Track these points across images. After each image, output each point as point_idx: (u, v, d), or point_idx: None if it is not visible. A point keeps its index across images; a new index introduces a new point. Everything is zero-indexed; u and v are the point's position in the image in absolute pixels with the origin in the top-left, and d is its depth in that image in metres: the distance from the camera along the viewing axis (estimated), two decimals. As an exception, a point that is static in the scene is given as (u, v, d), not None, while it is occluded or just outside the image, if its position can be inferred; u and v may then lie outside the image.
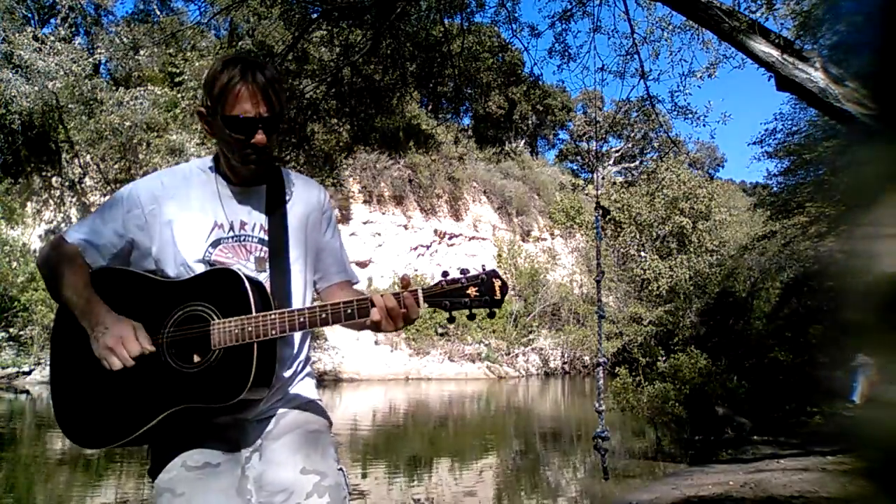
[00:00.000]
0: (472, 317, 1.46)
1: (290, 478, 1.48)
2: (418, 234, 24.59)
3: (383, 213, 23.70)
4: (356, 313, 1.46)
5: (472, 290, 1.43)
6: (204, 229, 1.56)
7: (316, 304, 1.53)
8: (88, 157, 19.13)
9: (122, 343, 1.41)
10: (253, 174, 1.58)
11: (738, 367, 10.14)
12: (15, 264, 16.28)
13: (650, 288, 24.07)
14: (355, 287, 1.79)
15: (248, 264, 1.57)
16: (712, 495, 5.48)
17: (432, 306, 1.46)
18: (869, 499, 0.60)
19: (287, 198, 1.65)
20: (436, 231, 25.19)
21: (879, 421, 0.59)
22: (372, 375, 19.61)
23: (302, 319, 1.45)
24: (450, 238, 25.81)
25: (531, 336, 23.60)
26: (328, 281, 1.75)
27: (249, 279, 1.48)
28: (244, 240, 1.58)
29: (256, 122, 1.48)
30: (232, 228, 1.58)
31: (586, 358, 23.62)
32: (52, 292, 1.56)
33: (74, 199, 19.19)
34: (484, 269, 1.46)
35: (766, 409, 9.84)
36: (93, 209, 19.97)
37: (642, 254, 25.54)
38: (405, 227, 24.14)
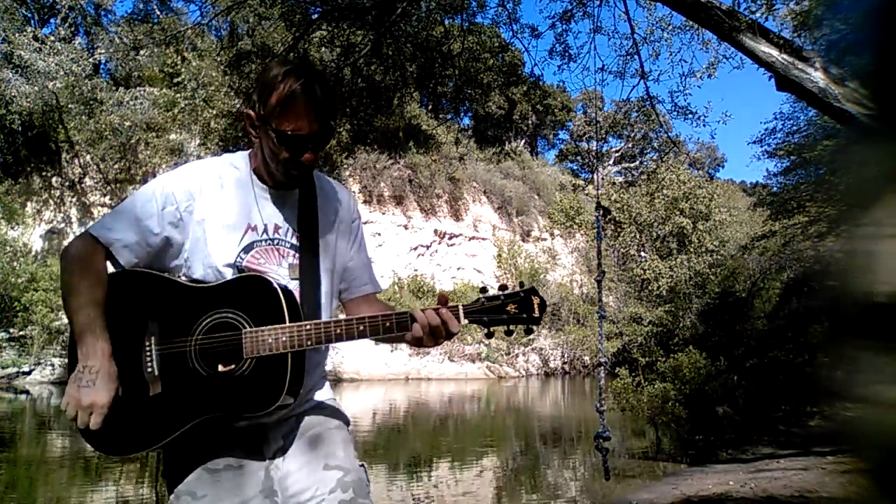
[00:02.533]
0: (509, 332, 1.47)
1: (313, 475, 1.48)
2: (418, 234, 24.59)
3: (383, 213, 23.70)
4: (394, 327, 1.45)
5: (511, 307, 1.45)
6: (237, 232, 1.52)
7: (353, 316, 1.50)
8: (88, 157, 19.14)
9: (91, 411, 1.37)
10: (292, 185, 1.56)
11: (738, 367, 10.14)
12: (15, 265, 16.29)
13: (650, 288, 24.06)
14: (379, 296, 1.77)
15: (279, 270, 1.54)
16: (712, 495, 5.48)
17: (472, 322, 1.47)
18: (869, 499, 0.60)
19: (319, 204, 1.62)
20: (436, 231, 25.19)
21: (879, 421, 0.59)
22: (372, 375, 19.61)
23: (339, 331, 1.44)
24: (450, 238, 25.80)
25: (531, 336, 23.60)
26: (354, 292, 1.72)
27: (281, 287, 1.46)
28: (278, 244, 1.55)
29: (308, 140, 1.45)
30: (266, 231, 1.54)
31: (586, 358, 23.61)
32: (63, 299, 1.51)
33: (74, 199, 19.20)
34: (522, 287, 1.47)
35: (766, 409, 9.84)
36: (93, 209, 20.01)
37: (642, 254, 25.54)
38: (405, 227, 24.14)
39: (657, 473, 7.20)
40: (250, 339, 1.42)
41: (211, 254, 1.50)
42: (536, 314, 1.45)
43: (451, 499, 6.34)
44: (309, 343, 1.43)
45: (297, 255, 1.56)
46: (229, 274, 1.50)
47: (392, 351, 20.85)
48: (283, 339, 1.41)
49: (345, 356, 19.20)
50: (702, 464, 7.44)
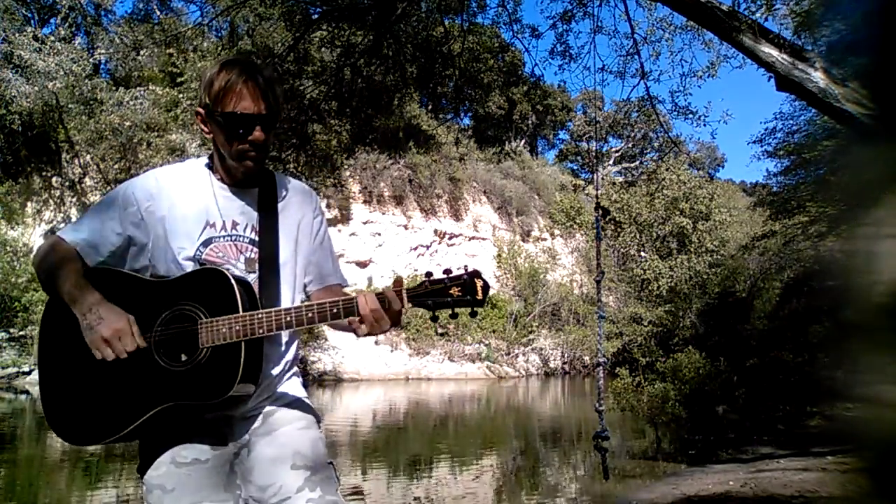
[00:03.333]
0: (454, 315, 1.50)
1: (280, 474, 1.50)
2: (418, 234, 24.59)
3: (383, 213, 23.70)
4: (342, 312, 1.49)
5: (454, 290, 1.47)
6: (196, 227, 1.58)
7: (303, 304, 1.55)
8: (88, 157, 19.13)
9: (119, 336, 1.43)
10: (248, 172, 1.60)
11: (738, 367, 10.13)
12: (16, 265, 16.29)
13: (650, 288, 24.07)
14: (345, 290, 1.82)
15: (238, 264, 1.59)
16: (712, 495, 5.48)
17: (416, 306, 1.50)
18: (869, 499, 0.60)
19: (280, 200, 1.68)
20: (436, 231, 25.19)
21: (879, 421, 0.59)
22: (372, 375, 19.61)
23: (288, 318, 1.48)
24: (450, 238, 25.81)
25: (531, 336, 23.59)
26: (318, 284, 1.77)
27: (237, 279, 1.51)
28: (236, 239, 1.61)
29: (255, 118, 1.51)
30: (224, 227, 1.60)
31: (586, 358, 23.61)
32: (47, 289, 1.57)
33: (74, 199, 19.19)
34: (466, 270, 1.50)
35: (766, 409, 9.83)
36: (93, 209, 20.17)
37: (642, 254, 25.54)
38: (405, 227, 24.14)
39: (657, 473, 7.20)
40: (206, 329, 1.47)
41: (172, 248, 1.56)
42: (480, 296, 1.47)
43: (451, 499, 6.34)
44: (261, 331, 1.46)
45: (254, 249, 1.61)
46: (189, 267, 1.56)
47: (392, 351, 20.85)
48: (237, 327, 1.45)
49: (345, 356, 19.20)
50: (702, 464, 7.44)
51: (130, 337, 1.44)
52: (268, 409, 1.63)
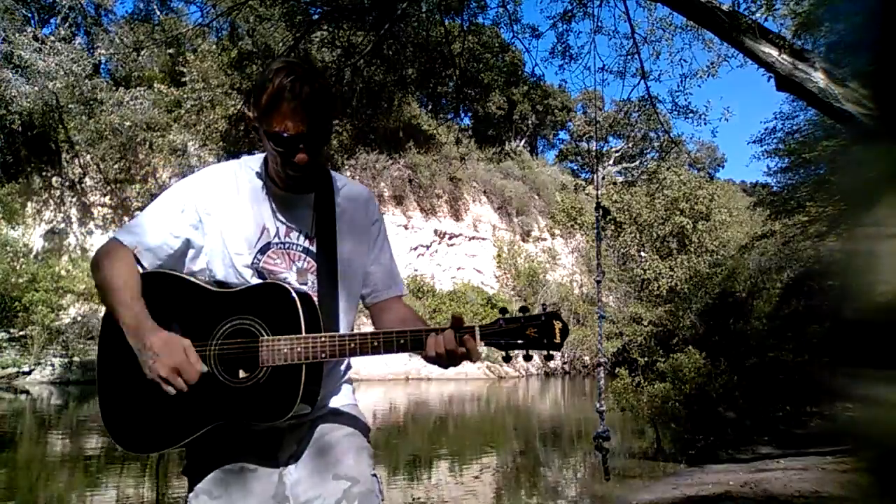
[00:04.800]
0: (528, 357, 1.43)
1: (321, 484, 1.47)
2: (418, 234, 24.59)
3: (383, 213, 23.59)
4: (409, 345, 1.43)
5: (531, 331, 1.41)
6: (253, 233, 1.54)
7: (368, 331, 1.49)
8: (88, 157, 19.13)
9: (179, 372, 1.38)
10: (296, 186, 1.55)
11: (738, 367, 10.12)
12: (16, 265, 16.29)
13: (650, 288, 24.05)
14: (403, 298, 1.75)
15: (291, 274, 1.55)
16: (712, 495, 5.47)
17: (489, 345, 1.42)
18: (869, 499, 0.60)
19: (336, 206, 1.61)
20: (436, 231, 25.19)
21: (879, 421, 0.59)
22: (372, 375, 19.61)
23: (353, 345, 1.44)
24: (450, 238, 25.80)
25: (531, 336, 23.57)
26: (377, 296, 1.70)
27: (300, 295, 1.46)
28: (289, 248, 1.56)
29: (298, 140, 1.44)
30: (278, 234, 1.56)
31: (586, 358, 23.61)
32: (102, 299, 1.53)
33: (74, 199, 19.19)
34: (544, 310, 1.43)
35: (766, 409, 9.83)
36: (93, 209, 20.01)
37: (642, 254, 25.53)
38: (405, 227, 24.14)
39: (657, 473, 7.20)
40: (267, 348, 1.43)
41: (230, 255, 1.53)
42: (558, 340, 1.40)
43: (451, 499, 6.34)
44: (323, 356, 1.43)
45: (307, 258, 1.57)
46: (248, 275, 1.52)
47: (392, 351, 20.84)
48: (299, 349, 1.42)
49: (345, 356, 19.19)
50: (702, 464, 7.44)
51: (190, 368, 1.38)
52: (315, 416, 1.60)
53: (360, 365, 19.85)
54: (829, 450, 6.72)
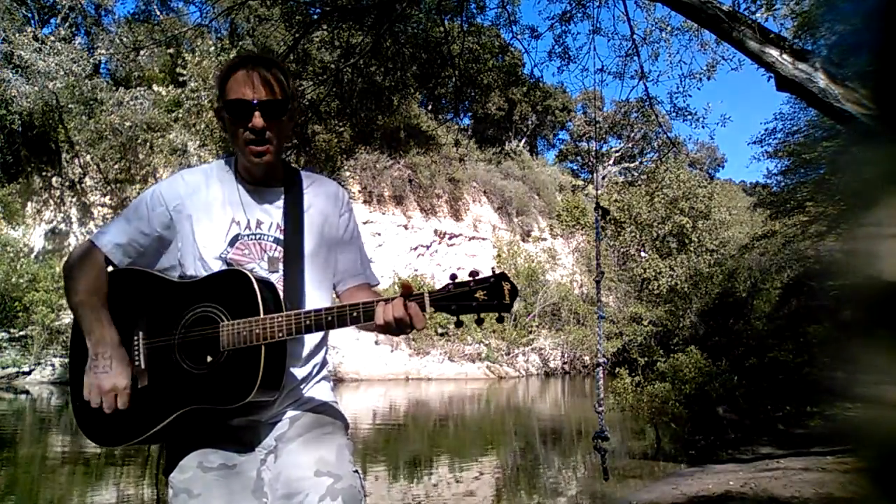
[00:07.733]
0: (480, 321, 1.42)
1: (303, 480, 1.47)
2: (418, 234, 24.59)
3: (383, 213, 23.70)
4: (361, 316, 1.45)
5: (479, 294, 1.39)
6: (223, 226, 1.58)
7: (323, 307, 1.51)
8: (88, 157, 19.13)
9: (114, 395, 1.49)
10: (259, 165, 1.57)
11: (738, 367, 10.13)
12: (16, 265, 16.28)
13: (650, 288, 24.06)
14: (374, 289, 1.77)
15: (261, 263, 1.58)
16: (712, 495, 5.48)
17: (439, 310, 1.42)
18: (869, 499, 0.60)
19: (304, 198, 1.66)
20: (436, 231, 25.19)
21: (879, 421, 0.59)
22: (372, 375, 19.61)
23: (308, 322, 1.44)
24: (450, 238, 25.81)
25: (531, 336, 23.60)
26: (346, 284, 1.74)
27: (259, 280, 1.48)
28: (260, 238, 1.60)
29: (253, 104, 1.50)
30: (248, 226, 1.60)
31: (586, 358, 23.61)
32: (67, 296, 1.61)
33: (74, 199, 19.19)
34: (493, 273, 1.42)
35: (766, 409, 9.83)
36: (93, 209, 19.97)
37: (642, 254, 25.53)
38: (405, 227, 24.14)
39: (657, 473, 7.20)
40: (227, 332, 1.45)
41: (200, 248, 1.56)
42: (507, 301, 1.38)
43: (451, 499, 6.34)
44: (280, 334, 1.43)
45: (278, 247, 1.60)
46: (217, 266, 1.55)
47: (392, 351, 20.85)
48: (257, 330, 1.43)
49: (345, 356, 19.20)
50: (702, 464, 7.44)
51: (122, 398, 1.49)
52: (294, 413, 1.60)
53: (361, 365, 19.86)
54: (829, 450, 6.72)
